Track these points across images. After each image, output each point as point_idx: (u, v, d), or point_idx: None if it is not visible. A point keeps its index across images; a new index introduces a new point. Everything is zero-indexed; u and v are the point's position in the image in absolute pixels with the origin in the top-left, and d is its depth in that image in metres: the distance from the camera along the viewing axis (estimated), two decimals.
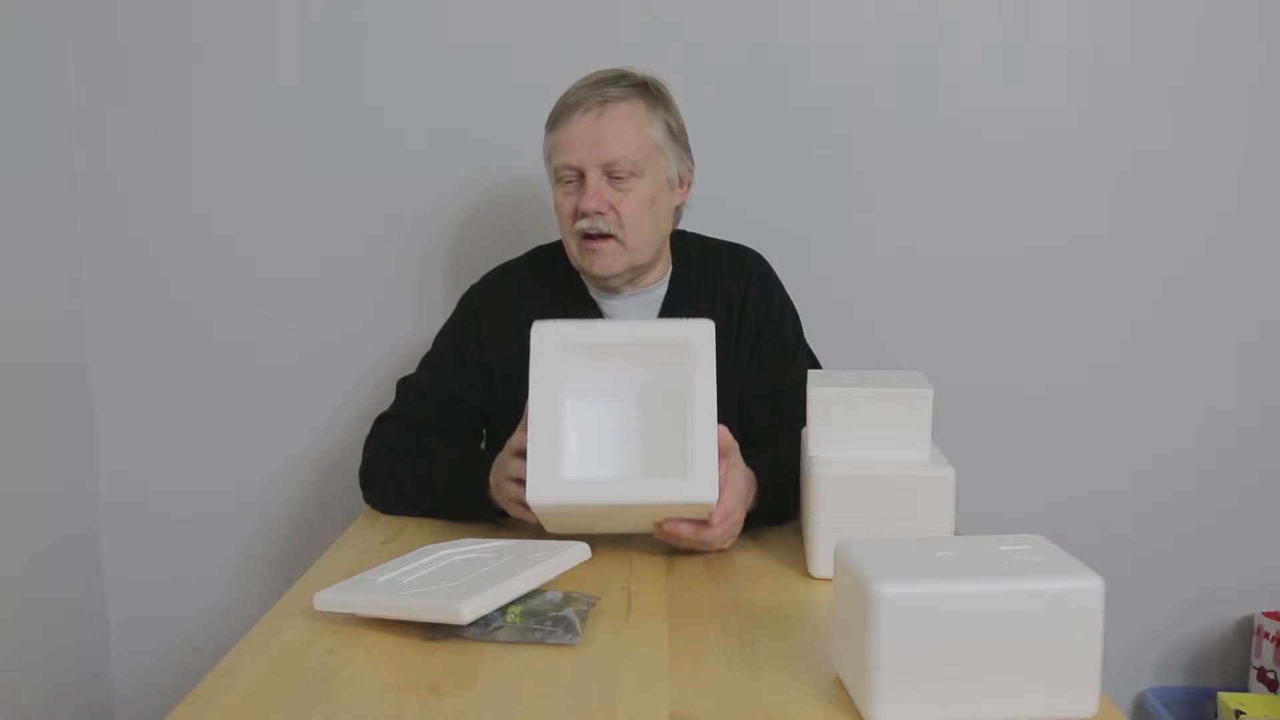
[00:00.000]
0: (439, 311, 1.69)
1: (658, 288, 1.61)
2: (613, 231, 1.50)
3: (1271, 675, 1.96)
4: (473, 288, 1.67)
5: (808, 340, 1.66)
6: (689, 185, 1.60)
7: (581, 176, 1.50)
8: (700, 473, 1.21)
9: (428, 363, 1.63)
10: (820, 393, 1.24)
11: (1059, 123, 1.97)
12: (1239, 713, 1.87)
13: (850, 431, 1.24)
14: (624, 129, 1.49)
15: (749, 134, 1.95)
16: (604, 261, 1.51)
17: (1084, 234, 1.99)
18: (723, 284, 1.61)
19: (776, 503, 1.38)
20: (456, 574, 1.15)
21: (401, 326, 1.98)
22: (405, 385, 1.62)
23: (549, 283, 1.62)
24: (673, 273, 1.62)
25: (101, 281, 2.00)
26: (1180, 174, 1.98)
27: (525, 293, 1.61)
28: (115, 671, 2.09)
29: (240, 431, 2.03)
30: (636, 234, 1.51)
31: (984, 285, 2.01)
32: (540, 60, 1.92)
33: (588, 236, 1.50)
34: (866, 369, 1.36)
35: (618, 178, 1.49)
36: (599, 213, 1.48)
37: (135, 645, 2.08)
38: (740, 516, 1.32)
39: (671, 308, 1.59)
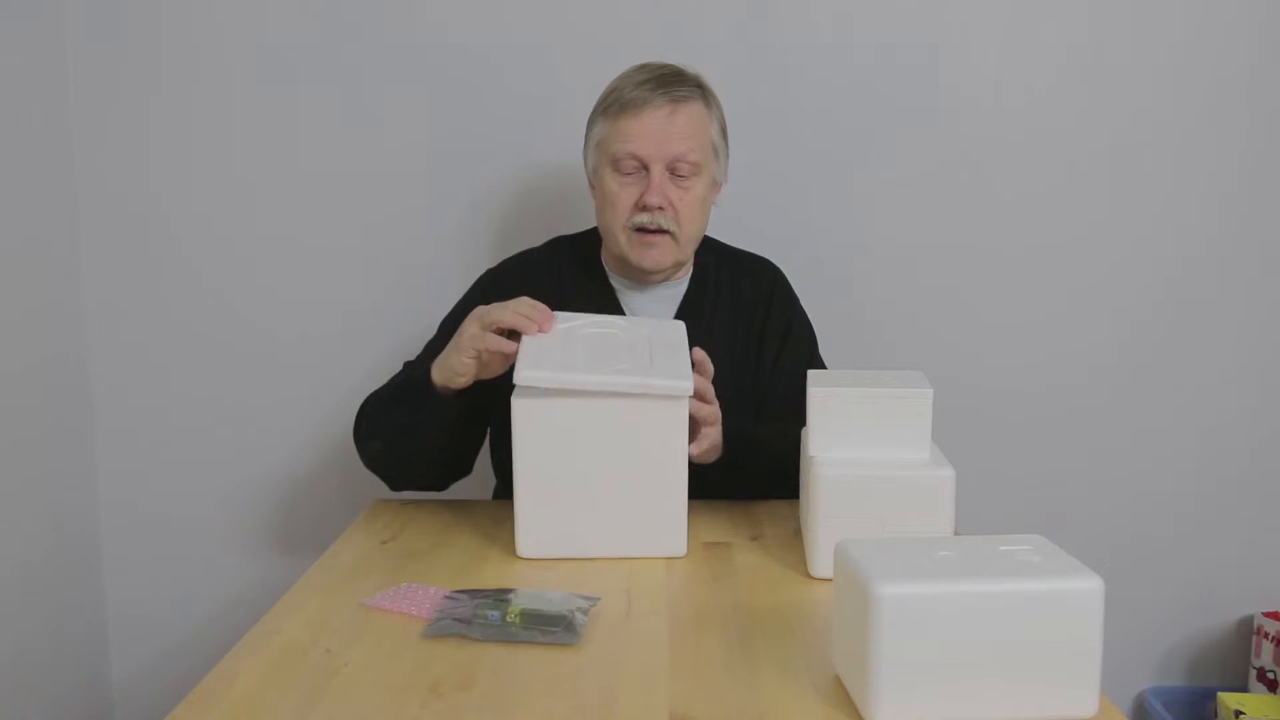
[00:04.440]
0: (444, 310, 1.69)
1: (678, 285, 1.62)
2: (670, 228, 1.52)
3: (1271, 675, 1.96)
4: (489, 270, 1.68)
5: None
6: (723, 185, 1.62)
7: (643, 169, 1.51)
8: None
9: (432, 344, 1.62)
10: (820, 393, 1.24)
11: (1059, 120, 1.97)
12: (1239, 713, 1.87)
13: (850, 431, 1.24)
14: (692, 128, 1.52)
15: (749, 132, 1.94)
16: (656, 256, 1.53)
17: (1084, 232, 2.00)
18: (743, 292, 1.63)
19: (749, 441, 1.44)
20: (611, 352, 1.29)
21: (403, 327, 1.98)
22: (407, 364, 1.62)
23: (568, 272, 1.63)
24: (693, 273, 1.64)
25: (102, 280, 1.99)
26: (1180, 171, 1.98)
27: (543, 281, 1.62)
28: (115, 671, 2.09)
29: (241, 431, 2.03)
30: (689, 231, 1.54)
31: (984, 283, 2.01)
32: (541, 58, 1.92)
33: (642, 230, 1.52)
34: (866, 368, 1.36)
35: (680, 175, 1.52)
36: (660, 208, 1.51)
37: (135, 645, 2.08)
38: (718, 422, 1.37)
39: (690, 306, 1.61)
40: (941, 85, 1.95)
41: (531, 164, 1.95)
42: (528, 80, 1.93)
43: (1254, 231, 2.00)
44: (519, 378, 1.25)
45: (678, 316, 1.59)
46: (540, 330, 1.32)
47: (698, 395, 1.31)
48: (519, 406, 1.25)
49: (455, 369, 1.36)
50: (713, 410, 1.36)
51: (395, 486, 1.55)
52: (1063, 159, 1.98)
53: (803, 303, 1.68)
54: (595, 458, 1.26)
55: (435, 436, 1.45)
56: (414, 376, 1.44)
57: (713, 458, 1.40)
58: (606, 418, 1.25)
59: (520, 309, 1.33)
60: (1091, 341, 2.02)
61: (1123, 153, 1.98)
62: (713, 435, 1.36)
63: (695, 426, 1.33)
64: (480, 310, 1.35)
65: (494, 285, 1.63)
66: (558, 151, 1.88)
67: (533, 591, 1.14)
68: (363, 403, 1.56)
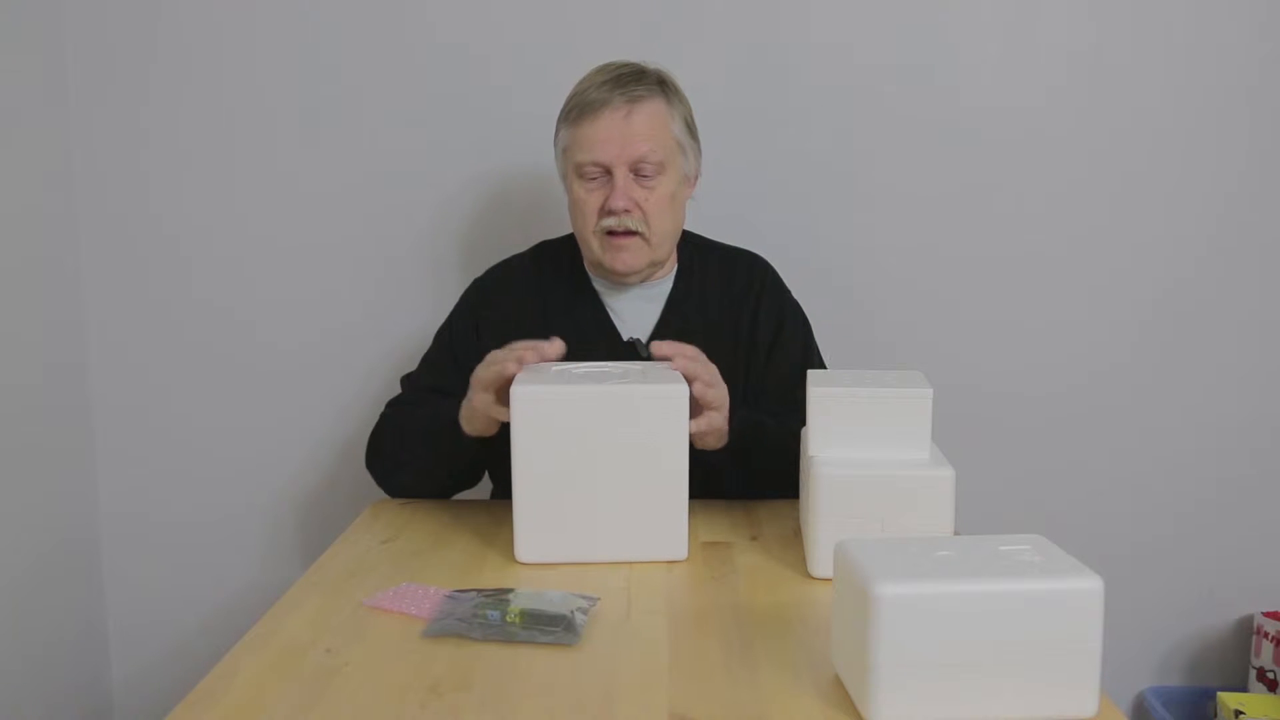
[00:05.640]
0: (439, 315, 1.69)
1: (662, 283, 1.62)
2: (638, 229, 1.52)
3: (1271, 675, 1.96)
4: (475, 281, 1.68)
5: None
6: (697, 178, 1.62)
7: (607, 173, 1.51)
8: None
9: (426, 359, 1.64)
10: (820, 393, 1.24)
11: (1059, 123, 1.97)
12: (1239, 713, 1.87)
13: (850, 431, 1.24)
14: (652, 127, 1.51)
15: (749, 133, 1.95)
16: (627, 258, 1.53)
17: (1084, 234, 1.99)
18: (732, 289, 1.63)
19: (755, 429, 1.43)
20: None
21: (402, 330, 1.98)
22: (407, 381, 1.63)
23: (554, 277, 1.63)
24: (677, 270, 1.63)
25: (101, 285, 1.99)
26: (1181, 174, 1.98)
27: (529, 287, 1.62)
28: (115, 671, 2.09)
29: (240, 434, 2.03)
30: (659, 230, 1.54)
31: (984, 285, 2.01)
32: (539, 59, 1.92)
33: (612, 233, 1.52)
34: (866, 369, 1.36)
35: (644, 175, 1.51)
36: (626, 211, 1.51)
37: (135, 645, 2.08)
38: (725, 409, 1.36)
39: (675, 304, 1.60)
40: (941, 87, 1.95)
41: (530, 166, 1.95)
42: (524, 83, 1.93)
43: (1254, 234, 2.00)
44: (514, 392, 1.25)
45: (663, 315, 1.59)
46: (544, 356, 1.33)
47: (702, 381, 1.31)
48: (518, 397, 1.25)
49: (480, 429, 1.37)
50: (718, 394, 1.34)
51: (445, 496, 1.57)
52: (1064, 162, 1.98)
53: (804, 306, 1.68)
54: (594, 459, 1.26)
55: (464, 468, 1.50)
56: (442, 420, 1.43)
57: (716, 443, 1.39)
58: (605, 418, 1.25)
59: (519, 350, 1.33)
60: (1092, 344, 2.02)
61: (1124, 156, 1.98)
62: (716, 420, 1.35)
63: (698, 410, 1.32)
64: (482, 378, 1.34)
65: (481, 296, 1.64)
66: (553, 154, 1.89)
67: (532, 591, 1.14)
68: (375, 437, 1.57)
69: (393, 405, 1.60)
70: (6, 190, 1.79)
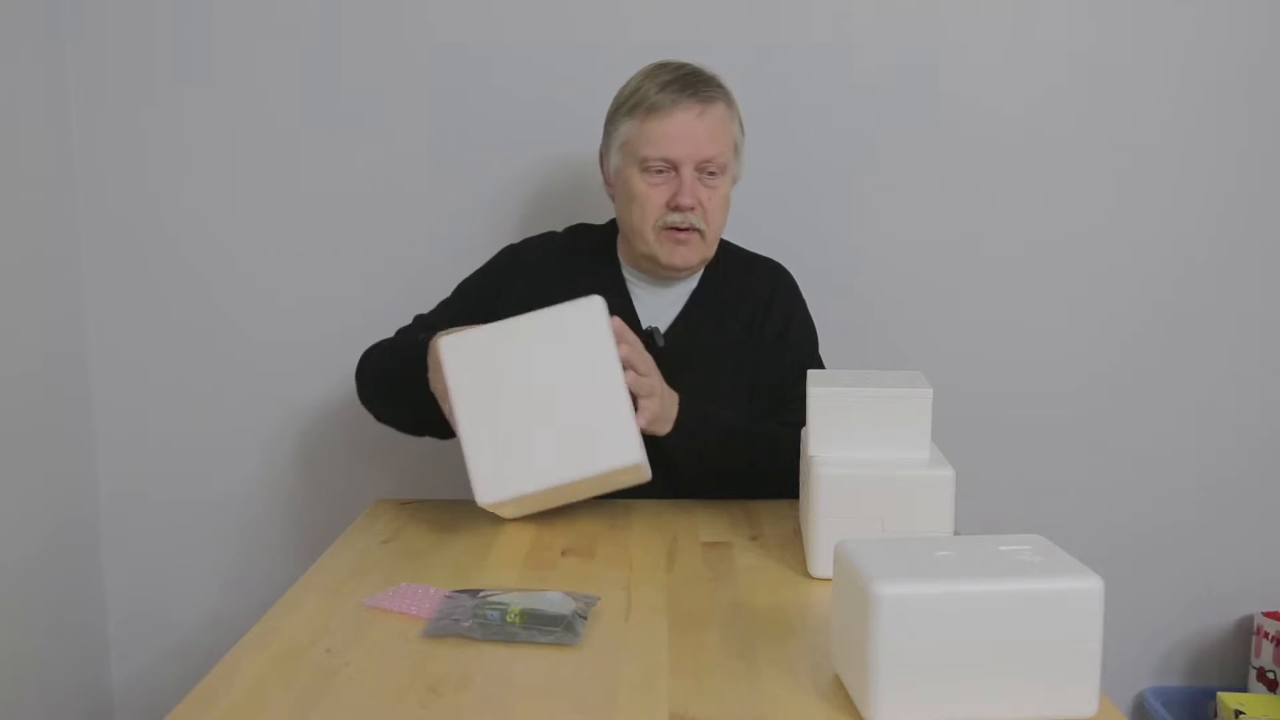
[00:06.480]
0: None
1: (689, 281, 1.64)
2: (699, 226, 1.55)
3: (1271, 675, 1.96)
4: (510, 246, 1.70)
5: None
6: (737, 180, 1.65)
7: (673, 170, 1.53)
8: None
9: (443, 303, 1.67)
10: (820, 393, 1.24)
11: (1061, 122, 1.97)
12: (1238, 713, 1.87)
13: (850, 431, 1.24)
14: (720, 129, 1.55)
15: (751, 133, 1.94)
16: (686, 254, 1.56)
17: (1084, 234, 2.00)
18: (750, 288, 1.65)
19: (709, 418, 1.46)
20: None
21: (402, 322, 1.98)
22: (417, 317, 1.66)
23: (584, 259, 1.65)
24: (704, 271, 1.65)
25: (101, 276, 1.99)
26: (1180, 174, 1.98)
27: (560, 263, 1.64)
28: (115, 671, 2.09)
29: (241, 428, 2.04)
30: (715, 229, 1.57)
31: (984, 285, 2.01)
32: (541, 60, 1.92)
33: (673, 228, 1.54)
34: (866, 369, 1.36)
35: (710, 174, 1.54)
36: (691, 208, 1.53)
37: (135, 645, 2.08)
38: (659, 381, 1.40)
39: (697, 303, 1.63)
40: (943, 89, 1.95)
41: (528, 164, 1.95)
42: (525, 83, 1.93)
43: (1255, 233, 2.00)
44: (440, 344, 1.31)
45: (684, 312, 1.62)
46: None
47: (629, 366, 1.34)
48: (445, 349, 1.29)
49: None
50: (647, 382, 1.37)
51: (416, 434, 1.60)
52: (1064, 162, 1.98)
53: (806, 305, 1.68)
54: (529, 386, 1.29)
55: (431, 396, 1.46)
56: (424, 339, 1.44)
57: (663, 430, 1.41)
58: (530, 344, 1.29)
59: None
60: (1092, 343, 2.02)
61: (1124, 155, 1.98)
62: (652, 407, 1.37)
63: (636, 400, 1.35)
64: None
65: (515, 260, 1.67)
66: (554, 152, 1.89)
67: (532, 591, 1.14)
68: (365, 357, 1.61)
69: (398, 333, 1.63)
70: (8, 189, 1.79)
